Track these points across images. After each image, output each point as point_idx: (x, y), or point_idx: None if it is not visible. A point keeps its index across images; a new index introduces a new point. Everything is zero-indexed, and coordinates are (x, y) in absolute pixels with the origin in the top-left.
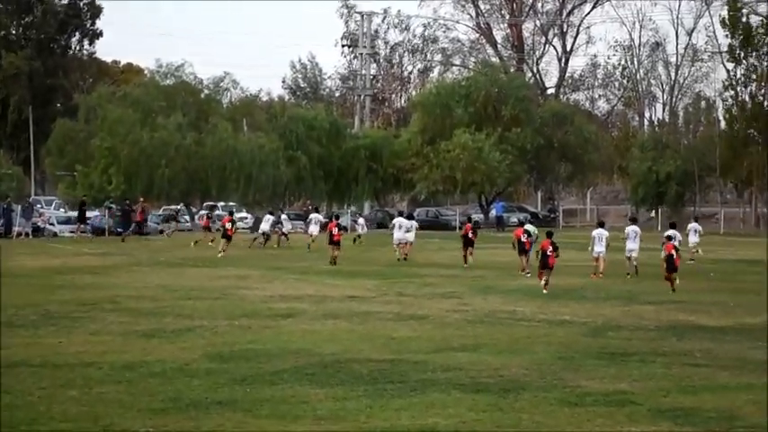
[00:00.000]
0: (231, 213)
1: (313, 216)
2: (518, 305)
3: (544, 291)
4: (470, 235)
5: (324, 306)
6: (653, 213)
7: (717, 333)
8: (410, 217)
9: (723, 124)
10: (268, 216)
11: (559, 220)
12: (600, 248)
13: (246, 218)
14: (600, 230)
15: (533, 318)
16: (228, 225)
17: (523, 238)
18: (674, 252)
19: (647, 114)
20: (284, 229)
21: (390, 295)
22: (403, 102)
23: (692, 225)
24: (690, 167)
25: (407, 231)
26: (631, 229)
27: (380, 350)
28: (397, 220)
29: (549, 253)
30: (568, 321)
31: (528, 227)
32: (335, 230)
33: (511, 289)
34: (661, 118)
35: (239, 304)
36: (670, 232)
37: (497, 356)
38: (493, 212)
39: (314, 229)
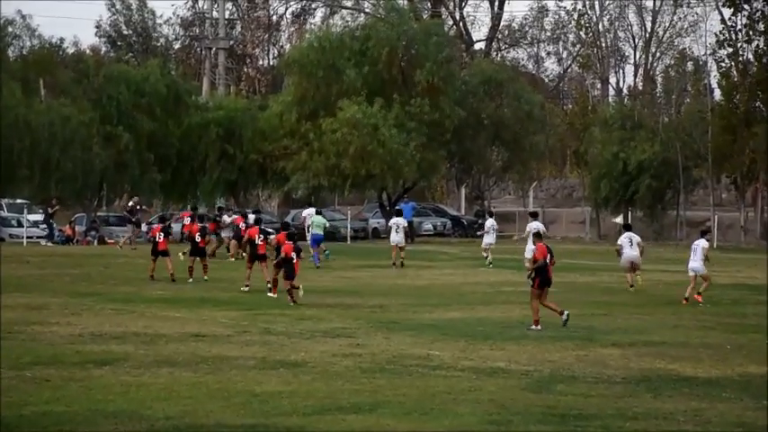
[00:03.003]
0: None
1: (306, 212)
2: (433, 347)
3: (291, 303)
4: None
5: (156, 348)
6: (619, 219)
7: (708, 387)
8: (398, 213)
9: (718, 94)
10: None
11: None
12: (695, 264)
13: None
14: (701, 241)
15: (455, 365)
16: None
17: (258, 240)
18: (293, 255)
19: (612, 80)
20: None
21: (253, 333)
22: (272, 59)
23: (492, 222)
24: (672, 155)
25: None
26: (626, 236)
27: (238, 411)
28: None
29: (294, 260)
30: (503, 370)
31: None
32: (160, 236)
33: (423, 324)
34: (632, 85)
35: (31, 347)
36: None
37: (404, 420)
38: None
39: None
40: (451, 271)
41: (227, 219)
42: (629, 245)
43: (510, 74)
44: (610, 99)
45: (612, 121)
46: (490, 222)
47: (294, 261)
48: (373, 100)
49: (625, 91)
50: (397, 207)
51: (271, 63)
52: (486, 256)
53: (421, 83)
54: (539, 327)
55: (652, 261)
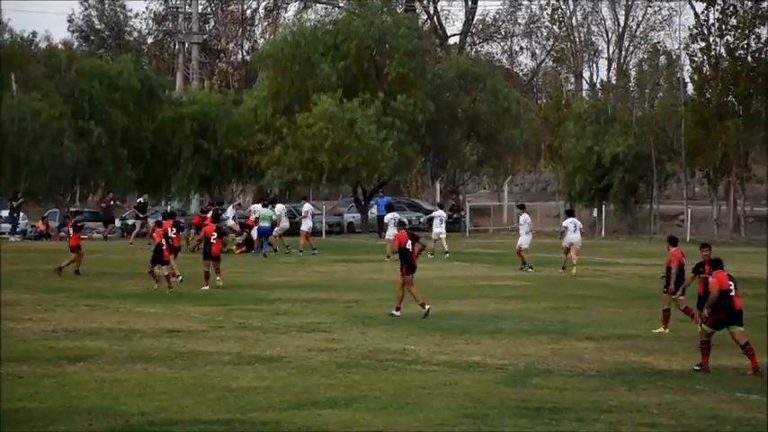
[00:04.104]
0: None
1: (307, 208)
2: (409, 342)
3: (219, 283)
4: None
5: (131, 344)
6: (595, 213)
7: (681, 380)
8: (391, 209)
9: (690, 89)
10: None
11: (465, 222)
12: None
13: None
14: None
15: (430, 359)
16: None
17: (171, 234)
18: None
19: (586, 74)
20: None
21: (228, 328)
22: (246, 53)
23: (439, 212)
24: (645, 149)
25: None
26: (571, 221)
27: (213, 407)
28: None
29: (213, 240)
30: (479, 364)
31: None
32: (71, 231)
33: (399, 318)
34: (606, 79)
35: (4, 343)
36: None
37: (379, 414)
38: (374, 211)
39: (308, 226)
40: (426, 265)
41: (231, 211)
42: (574, 229)
43: (485, 69)
44: (583, 93)
45: (586, 116)
46: (437, 212)
47: (164, 247)
48: (348, 94)
49: (599, 85)
50: (387, 203)
51: (244, 57)
52: (446, 250)
53: (390, 74)
54: (399, 313)
55: (626, 255)
